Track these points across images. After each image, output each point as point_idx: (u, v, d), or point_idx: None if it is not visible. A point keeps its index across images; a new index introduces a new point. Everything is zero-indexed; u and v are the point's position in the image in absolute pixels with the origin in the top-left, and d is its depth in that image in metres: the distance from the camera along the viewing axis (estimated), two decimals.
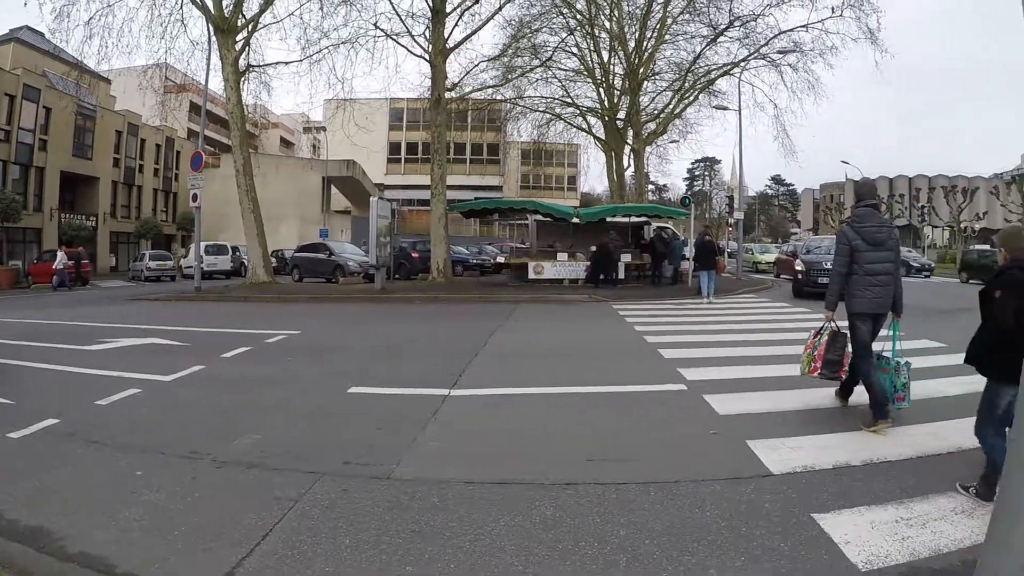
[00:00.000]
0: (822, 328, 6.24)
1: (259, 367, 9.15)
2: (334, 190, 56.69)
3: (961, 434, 5.13)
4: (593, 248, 22.30)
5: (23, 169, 37.73)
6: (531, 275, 22.74)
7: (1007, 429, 3.87)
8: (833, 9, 26.34)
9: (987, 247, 40.27)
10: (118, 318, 15.63)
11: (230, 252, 36.82)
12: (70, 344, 11.30)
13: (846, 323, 5.86)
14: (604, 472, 4.55)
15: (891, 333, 6.00)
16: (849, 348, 5.97)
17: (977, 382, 6.81)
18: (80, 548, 3.62)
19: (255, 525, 3.81)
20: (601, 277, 21.86)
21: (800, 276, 19.00)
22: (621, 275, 22.43)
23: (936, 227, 67.47)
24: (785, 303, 17.39)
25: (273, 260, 29.69)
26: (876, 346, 5.95)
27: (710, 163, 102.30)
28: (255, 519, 3.90)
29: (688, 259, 22.38)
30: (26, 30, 39.49)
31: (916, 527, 3.54)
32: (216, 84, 27.40)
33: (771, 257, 34.89)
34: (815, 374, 6.28)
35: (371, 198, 24.01)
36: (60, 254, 29.53)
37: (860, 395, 5.98)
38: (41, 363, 9.50)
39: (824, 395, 6.58)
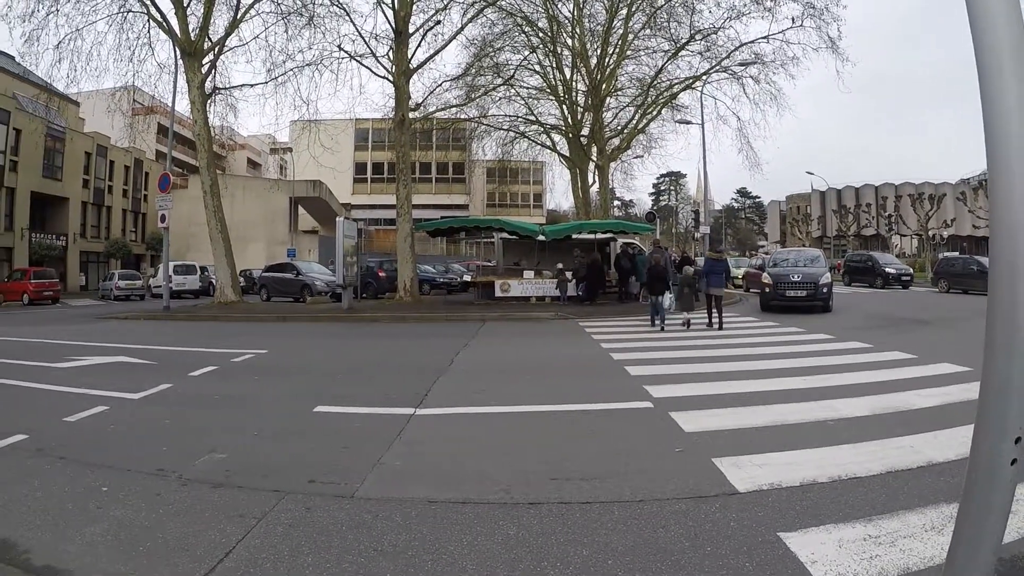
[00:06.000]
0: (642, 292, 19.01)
1: (226, 386, 9.14)
2: (301, 210, 56.46)
3: (934, 447, 5.13)
4: (582, 262, 22.11)
5: None
6: (498, 293, 22.72)
7: None
8: (793, 19, 26.58)
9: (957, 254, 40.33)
10: (87, 336, 15.72)
11: (199, 272, 37.05)
12: (39, 361, 11.35)
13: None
14: (568, 491, 4.48)
15: (671, 295, 15.22)
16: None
17: (951, 394, 7.00)
18: (45, 561, 3.65)
19: (218, 542, 3.81)
20: (577, 294, 21.93)
21: (768, 290, 18.93)
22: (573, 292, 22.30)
23: (904, 236, 68.26)
24: (753, 317, 17.46)
25: (241, 280, 29.63)
26: None
27: (676, 178, 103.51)
28: (218, 536, 3.90)
29: None
30: None
31: (885, 545, 3.44)
32: (183, 106, 27.38)
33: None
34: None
35: (337, 218, 23.90)
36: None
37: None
38: (10, 380, 9.53)
39: (792, 410, 6.54)
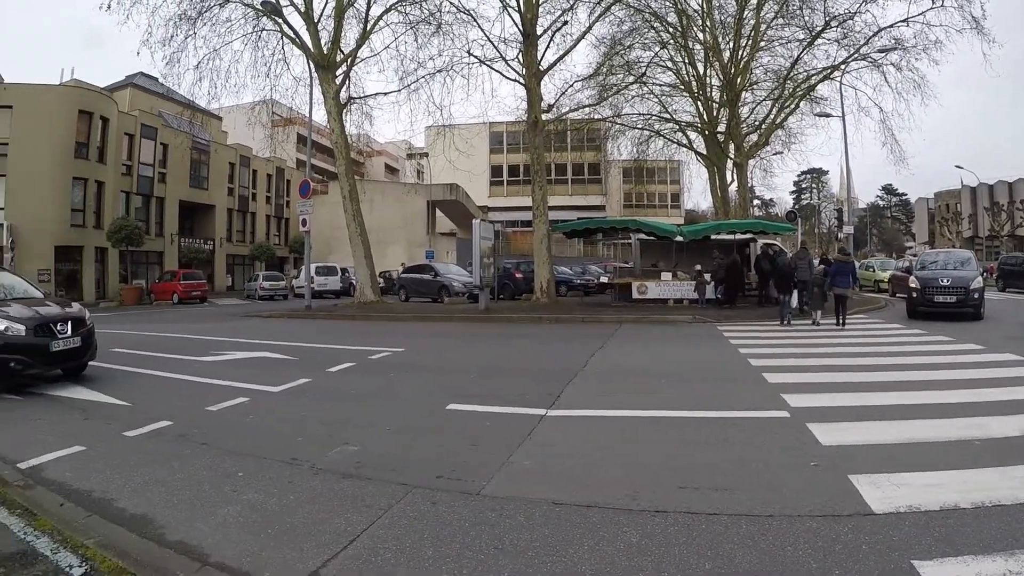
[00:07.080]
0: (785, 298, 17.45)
1: (362, 382, 9.56)
2: (439, 213, 57.76)
3: None
4: (720, 264, 21.53)
5: (145, 199, 41.87)
6: (635, 295, 22.52)
7: None
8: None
9: None
10: (232, 333, 16.76)
11: (339, 273, 38.70)
12: (186, 355, 12.23)
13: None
14: (695, 501, 4.42)
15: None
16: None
17: None
18: (179, 537, 3.99)
19: (344, 530, 4.03)
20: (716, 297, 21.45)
21: (915, 295, 17.56)
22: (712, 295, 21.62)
23: None
24: (899, 324, 16.44)
25: (381, 281, 30.70)
26: None
27: (817, 175, 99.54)
28: (344, 524, 4.12)
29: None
30: (141, 76, 44.03)
31: None
32: (320, 116, 28.78)
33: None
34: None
35: (473, 220, 24.41)
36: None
37: None
38: (159, 371, 10.39)
39: (936, 427, 6.17)
